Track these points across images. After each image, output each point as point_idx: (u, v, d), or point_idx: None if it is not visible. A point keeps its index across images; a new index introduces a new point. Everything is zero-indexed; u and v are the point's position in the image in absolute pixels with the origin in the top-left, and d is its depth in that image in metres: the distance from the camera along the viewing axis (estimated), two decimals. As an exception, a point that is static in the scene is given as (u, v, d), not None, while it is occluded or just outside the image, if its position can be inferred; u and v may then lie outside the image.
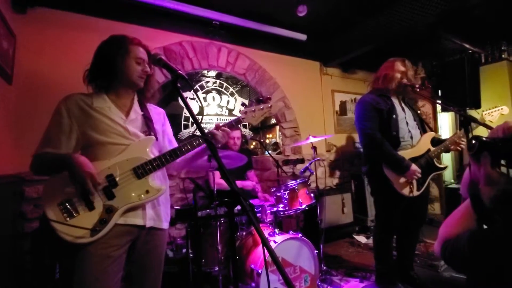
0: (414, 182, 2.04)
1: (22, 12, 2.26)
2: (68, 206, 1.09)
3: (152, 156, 1.23)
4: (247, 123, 3.04)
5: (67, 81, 2.33)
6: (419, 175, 2.00)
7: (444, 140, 2.13)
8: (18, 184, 2.13)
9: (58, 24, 2.42)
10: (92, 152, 1.17)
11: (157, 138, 1.31)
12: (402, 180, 2.03)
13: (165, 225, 1.34)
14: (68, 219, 1.08)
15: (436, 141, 2.16)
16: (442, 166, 2.16)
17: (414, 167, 1.99)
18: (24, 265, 2.03)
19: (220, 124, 1.35)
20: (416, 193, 2.05)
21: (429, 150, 2.12)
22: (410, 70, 2.18)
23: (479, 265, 0.67)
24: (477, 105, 3.37)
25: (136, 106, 1.32)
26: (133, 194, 1.17)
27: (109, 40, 1.26)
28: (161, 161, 1.22)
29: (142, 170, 1.19)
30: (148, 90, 1.36)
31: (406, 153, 2.06)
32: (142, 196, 1.18)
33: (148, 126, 1.31)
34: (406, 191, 2.04)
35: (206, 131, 1.24)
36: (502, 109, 2.13)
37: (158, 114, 1.44)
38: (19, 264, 2.02)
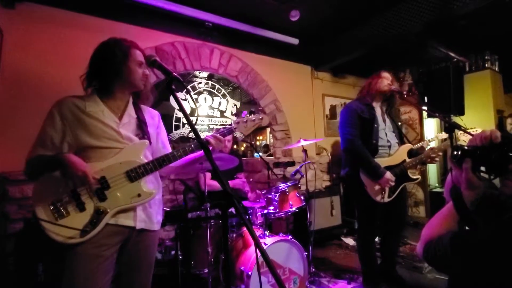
0: (387, 189, 2.14)
1: (11, 7, 2.20)
2: (59, 206, 1.09)
3: (145, 160, 1.23)
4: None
5: (54, 79, 2.30)
6: (392, 184, 2.10)
7: (421, 153, 2.23)
8: (1, 183, 2.07)
9: (47, 20, 2.37)
10: (85, 155, 1.15)
11: (150, 142, 1.30)
12: (376, 186, 2.13)
13: (156, 226, 1.33)
14: (58, 219, 1.07)
15: (413, 153, 2.26)
16: (415, 177, 2.26)
17: (388, 175, 2.08)
18: (7, 267, 1.97)
19: (213, 133, 1.38)
20: (386, 199, 2.15)
21: (404, 161, 2.21)
22: (393, 79, 2.29)
23: (460, 265, 0.70)
24: (461, 112, 3.50)
25: (130, 108, 1.30)
26: (124, 197, 1.17)
27: (108, 44, 1.24)
28: (154, 165, 1.23)
29: (135, 174, 1.19)
30: (143, 92, 1.35)
31: (382, 161, 2.15)
32: (134, 199, 1.18)
33: (142, 129, 1.30)
34: (378, 197, 2.14)
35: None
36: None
37: (152, 117, 1.43)
38: (1, 266, 1.95)
